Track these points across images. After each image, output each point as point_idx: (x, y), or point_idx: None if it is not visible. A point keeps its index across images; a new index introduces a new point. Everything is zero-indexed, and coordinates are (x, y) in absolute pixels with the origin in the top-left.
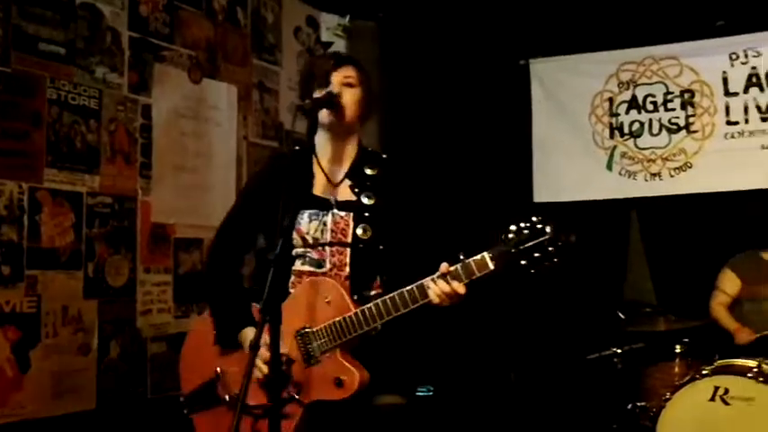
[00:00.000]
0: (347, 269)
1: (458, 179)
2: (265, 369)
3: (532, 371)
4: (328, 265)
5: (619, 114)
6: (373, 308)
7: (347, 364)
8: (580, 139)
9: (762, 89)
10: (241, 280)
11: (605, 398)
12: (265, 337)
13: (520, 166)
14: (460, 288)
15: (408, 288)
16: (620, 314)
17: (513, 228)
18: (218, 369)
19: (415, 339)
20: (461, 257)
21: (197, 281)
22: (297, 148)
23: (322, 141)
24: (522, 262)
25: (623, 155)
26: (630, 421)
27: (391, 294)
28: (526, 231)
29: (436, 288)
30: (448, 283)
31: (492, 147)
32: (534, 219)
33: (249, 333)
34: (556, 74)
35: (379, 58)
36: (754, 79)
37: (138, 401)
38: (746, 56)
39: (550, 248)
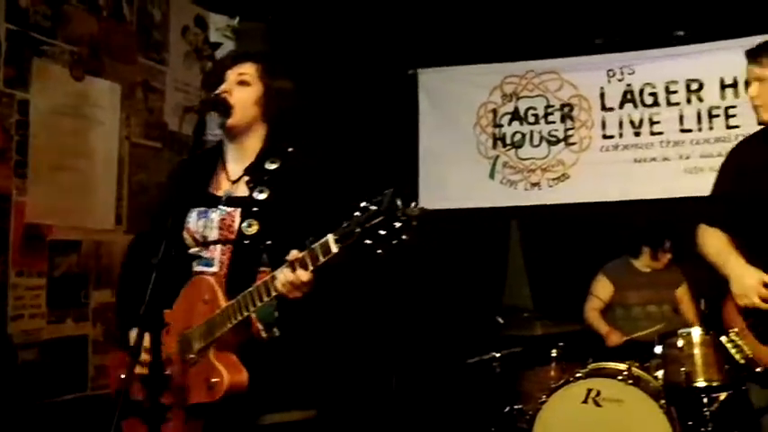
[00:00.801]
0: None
1: (343, 185)
2: (145, 372)
3: (414, 375)
4: (217, 264)
5: (502, 125)
6: (236, 303)
7: (219, 364)
8: (465, 148)
9: (636, 105)
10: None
11: (484, 401)
12: (147, 341)
13: (406, 173)
14: (305, 276)
15: (264, 280)
16: (499, 319)
17: (360, 206)
18: (121, 375)
19: (315, 344)
20: (308, 243)
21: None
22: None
23: (224, 140)
24: (368, 241)
25: (505, 164)
26: (508, 424)
27: (252, 288)
28: (372, 208)
29: (282, 277)
30: (293, 270)
31: (379, 153)
32: (381, 195)
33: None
34: (442, 84)
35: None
36: (629, 96)
37: (6, 409)
38: (622, 73)
39: (396, 225)
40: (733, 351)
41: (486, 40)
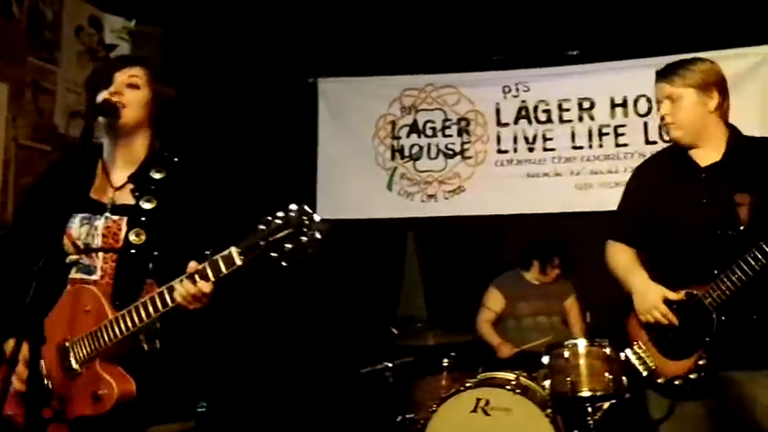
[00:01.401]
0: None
1: (240, 192)
2: (21, 386)
3: (309, 384)
4: (99, 272)
5: (400, 137)
6: (127, 314)
7: (106, 375)
8: (363, 158)
9: (530, 121)
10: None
11: (377, 410)
12: (26, 353)
13: (304, 182)
14: (206, 287)
15: (159, 291)
16: (393, 329)
17: (265, 219)
18: None
19: (195, 354)
20: (208, 254)
21: None
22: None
23: (106, 144)
24: (273, 254)
25: (402, 176)
26: None
27: (144, 299)
28: (278, 222)
29: (181, 289)
30: (194, 282)
31: (277, 162)
32: (287, 209)
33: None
34: (343, 94)
35: (163, 65)
36: (523, 112)
37: None
38: (518, 90)
39: (303, 239)
40: (637, 363)
41: (387, 52)
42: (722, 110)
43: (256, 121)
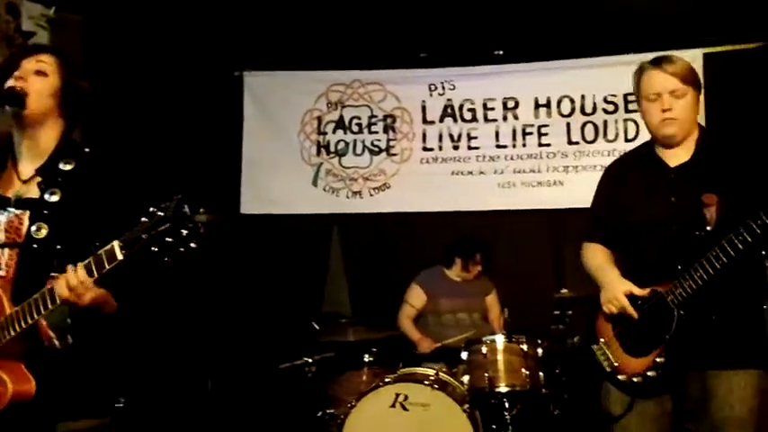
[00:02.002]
0: (14, 270)
1: (160, 186)
2: None
3: (231, 379)
4: (4, 268)
5: (326, 133)
6: (20, 311)
7: (2, 373)
8: (289, 153)
9: (455, 120)
10: None
11: (298, 406)
12: None
13: (228, 177)
14: (87, 281)
15: (48, 287)
16: (315, 325)
17: (149, 211)
18: None
19: (110, 350)
20: (93, 249)
21: None
22: None
23: (15, 135)
24: (154, 248)
25: (328, 172)
26: (320, 428)
27: (36, 295)
28: (160, 214)
29: (61, 283)
30: (77, 277)
31: (201, 156)
32: (168, 202)
33: None
34: (269, 88)
35: (84, 54)
36: (449, 110)
37: None
38: (443, 88)
39: (183, 232)
40: (601, 359)
41: (314, 47)
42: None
43: (180, 113)
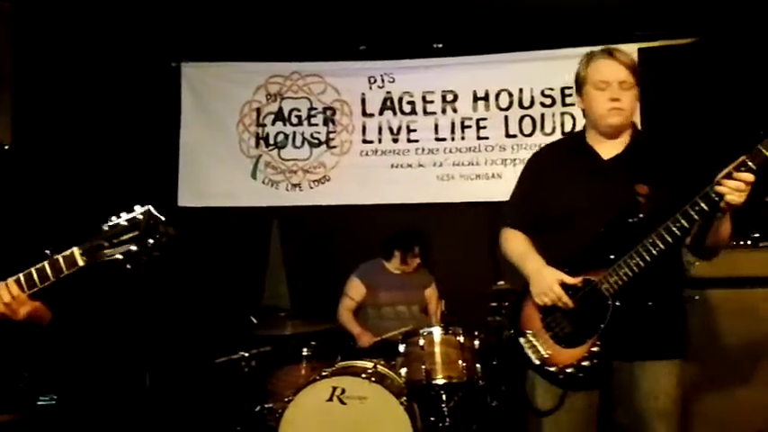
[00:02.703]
0: None
1: (96, 178)
2: None
3: (168, 373)
4: None
5: (265, 125)
6: None
7: None
8: (227, 145)
9: (395, 113)
10: None
11: (235, 401)
12: None
13: (165, 169)
14: (22, 297)
15: None
16: (253, 318)
17: (111, 220)
18: None
19: (36, 347)
20: (49, 253)
21: None
22: None
23: None
24: (118, 256)
25: (267, 164)
26: (258, 423)
27: None
28: (123, 223)
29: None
30: (9, 293)
31: (137, 147)
32: (133, 211)
33: None
34: (207, 79)
35: (14, 42)
36: (388, 103)
37: None
38: (383, 81)
39: (150, 242)
40: (529, 351)
41: (253, 38)
42: None
43: (115, 104)
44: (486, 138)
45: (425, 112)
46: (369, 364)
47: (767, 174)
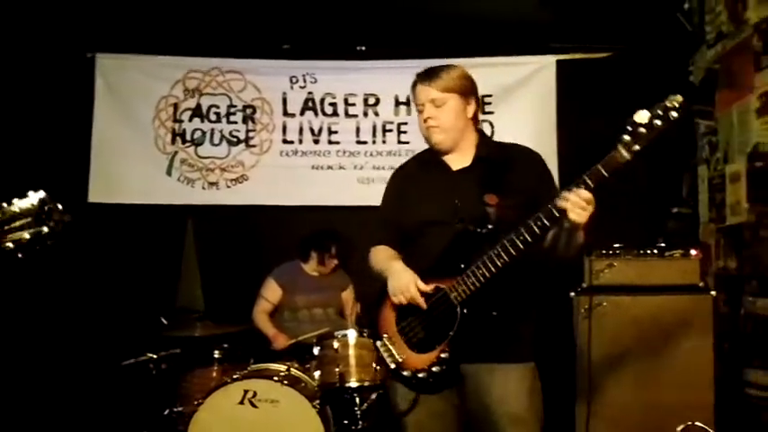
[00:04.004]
0: None
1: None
2: None
3: (72, 376)
4: None
5: (182, 121)
6: None
7: None
8: (142, 141)
9: (316, 113)
10: None
11: (144, 404)
12: None
13: (76, 163)
14: None
15: None
16: (163, 319)
17: (2, 206)
18: None
19: None
20: None
21: None
22: None
23: None
24: (9, 245)
25: (183, 161)
26: (167, 427)
27: None
28: (15, 209)
29: None
30: None
31: (46, 140)
32: (26, 197)
33: None
34: (123, 72)
35: None
36: (310, 103)
37: None
38: (305, 81)
39: (44, 230)
40: (385, 355)
41: (173, 31)
42: (476, 117)
43: (25, 95)
44: (407, 142)
45: (347, 115)
46: (282, 367)
47: (673, 185)
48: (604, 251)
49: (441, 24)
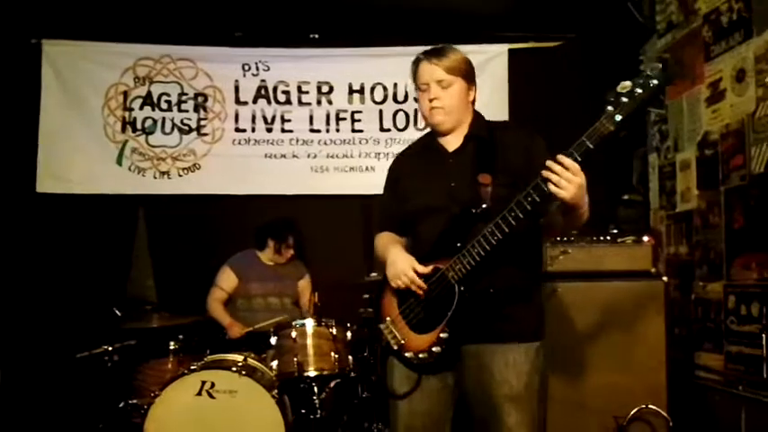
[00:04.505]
0: None
1: None
2: None
3: (24, 369)
4: None
5: (133, 109)
6: None
7: None
8: (91, 129)
9: (269, 102)
10: None
11: (98, 397)
12: None
13: (23, 152)
14: None
15: None
16: (117, 311)
17: None
18: None
19: None
20: None
21: None
22: None
23: None
24: None
25: (134, 150)
26: (122, 419)
27: None
28: None
29: None
30: None
31: None
32: None
33: None
34: (70, 59)
35: None
36: (263, 91)
37: None
38: (258, 69)
39: None
40: (389, 338)
41: (122, 17)
42: (474, 102)
43: None
44: (361, 131)
45: (300, 103)
46: (239, 358)
47: (623, 172)
48: (558, 238)
49: (395, 13)
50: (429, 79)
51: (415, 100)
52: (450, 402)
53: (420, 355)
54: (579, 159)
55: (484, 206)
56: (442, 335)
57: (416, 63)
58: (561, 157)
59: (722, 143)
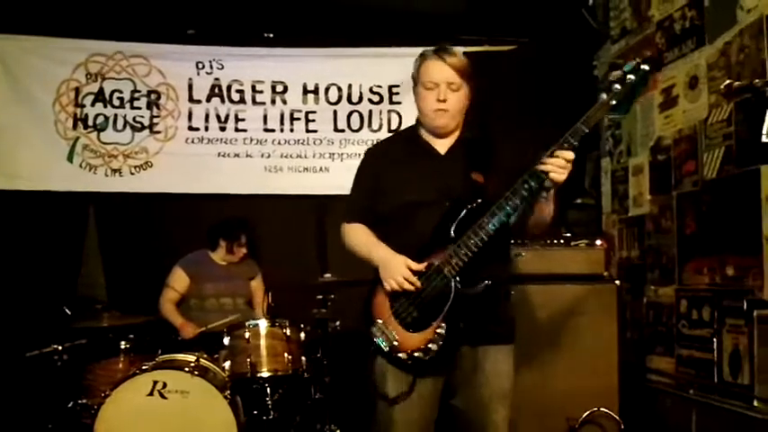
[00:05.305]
0: None
1: None
2: None
3: None
4: None
5: (84, 105)
6: None
7: None
8: (42, 126)
9: (223, 100)
10: None
11: (47, 397)
12: None
13: None
14: None
15: None
16: (67, 310)
17: None
18: None
19: None
20: None
21: None
22: None
23: None
24: None
25: (85, 147)
26: (71, 420)
27: None
28: None
29: None
30: None
31: None
32: None
33: None
34: (20, 54)
35: None
36: (216, 90)
37: None
38: (212, 67)
39: None
40: (380, 339)
41: (74, 12)
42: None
43: None
44: (315, 131)
45: (254, 102)
46: (191, 358)
47: (575, 176)
48: (512, 241)
49: (350, 13)
50: (440, 79)
51: (371, 102)
52: (437, 406)
53: (415, 354)
54: (575, 144)
55: (479, 201)
56: (438, 330)
57: (424, 58)
58: (559, 152)
59: (675, 148)
